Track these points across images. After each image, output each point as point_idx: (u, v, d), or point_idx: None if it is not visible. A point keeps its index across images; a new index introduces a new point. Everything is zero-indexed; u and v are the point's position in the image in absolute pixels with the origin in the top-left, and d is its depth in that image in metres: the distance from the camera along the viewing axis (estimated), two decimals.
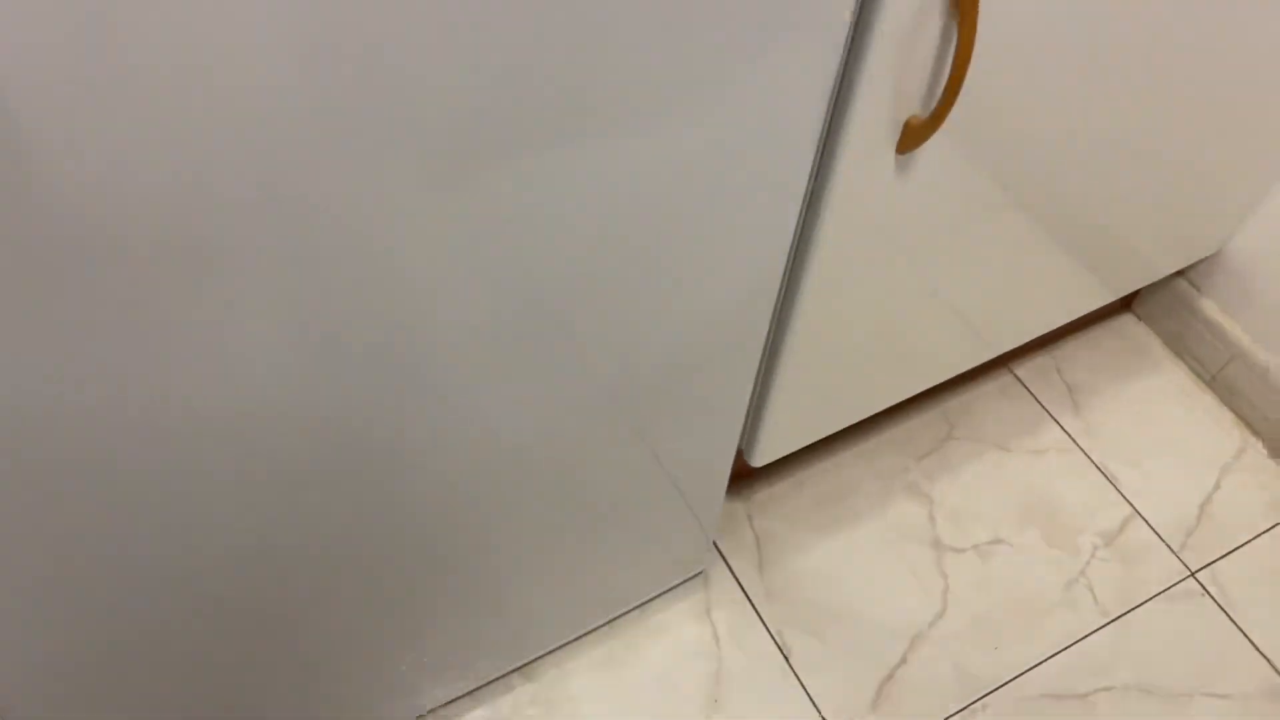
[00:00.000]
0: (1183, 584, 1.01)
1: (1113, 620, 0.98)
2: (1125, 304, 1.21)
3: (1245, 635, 0.98)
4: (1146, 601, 0.99)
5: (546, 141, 0.43)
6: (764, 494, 1.04)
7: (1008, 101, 0.65)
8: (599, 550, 0.81)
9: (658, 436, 0.71)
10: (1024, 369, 1.16)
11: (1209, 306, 1.12)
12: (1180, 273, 1.13)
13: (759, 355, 0.70)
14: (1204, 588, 1.00)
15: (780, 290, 0.68)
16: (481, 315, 0.50)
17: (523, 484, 0.66)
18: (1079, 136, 0.74)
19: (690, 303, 0.59)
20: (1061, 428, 1.11)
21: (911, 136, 0.60)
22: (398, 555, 0.64)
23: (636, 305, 0.57)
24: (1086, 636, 0.97)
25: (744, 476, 1.05)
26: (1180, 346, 1.16)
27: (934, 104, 0.58)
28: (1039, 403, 1.13)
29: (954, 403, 1.12)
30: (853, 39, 0.53)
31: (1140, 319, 1.20)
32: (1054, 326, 1.06)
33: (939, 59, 0.57)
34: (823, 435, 0.94)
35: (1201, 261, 1.10)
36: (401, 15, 0.35)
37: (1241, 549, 1.03)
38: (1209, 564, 1.02)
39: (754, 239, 0.58)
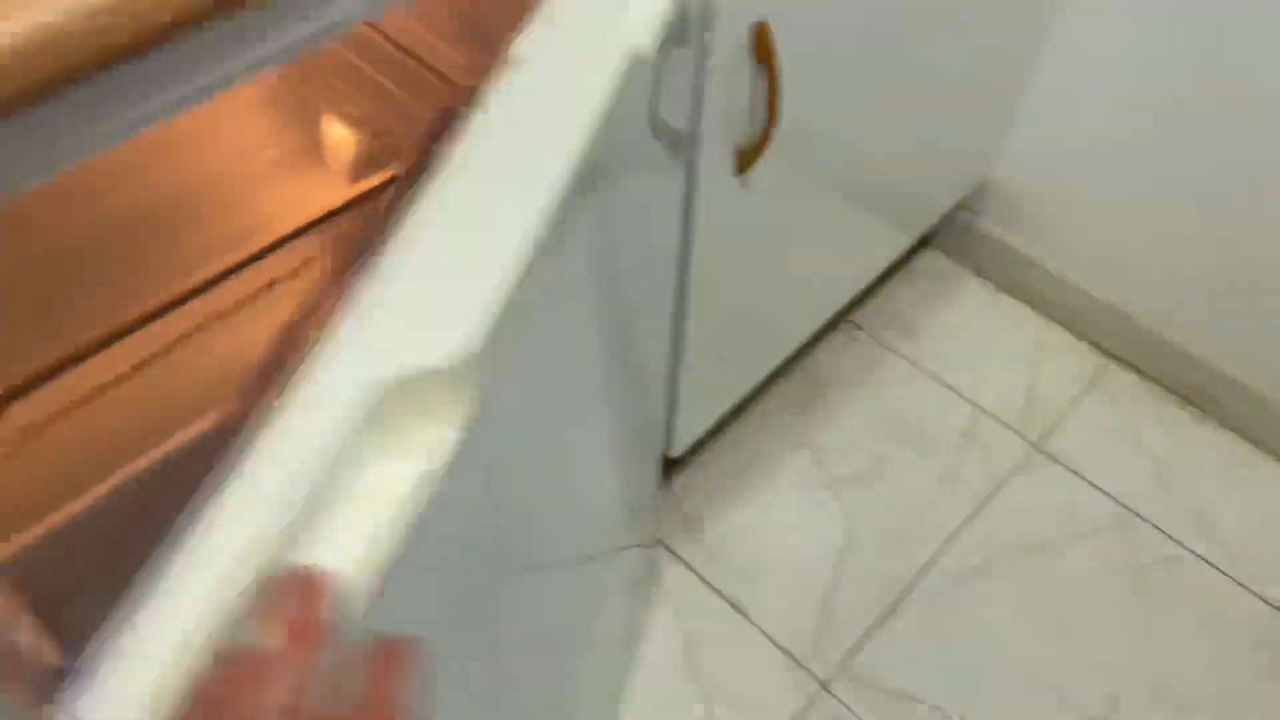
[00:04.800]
0: (1031, 457, 1.21)
1: (987, 501, 1.18)
2: (926, 242, 1.42)
3: (1089, 482, 1.19)
4: (1008, 478, 1.20)
5: None
6: (682, 482, 1.19)
7: (816, 116, 0.82)
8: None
9: (611, 479, 0.84)
10: (862, 318, 1.34)
11: (989, 226, 1.34)
12: (961, 205, 1.35)
13: (665, 365, 0.84)
14: (1047, 455, 1.22)
15: (676, 305, 0.82)
16: None
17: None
18: (866, 124, 0.92)
19: (618, 336, 0.73)
20: (902, 356, 1.30)
21: (747, 158, 0.76)
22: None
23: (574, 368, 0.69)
24: (969, 520, 1.16)
25: (663, 473, 1.19)
26: (977, 265, 1.38)
27: (758, 133, 0.74)
28: (878, 341, 1.32)
29: (815, 360, 1.30)
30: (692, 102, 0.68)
31: (941, 251, 1.41)
32: (876, 276, 1.26)
33: (754, 97, 0.72)
34: (721, 413, 1.09)
35: (974, 191, 1.32)
36: None
37: (1067, 415, 1.25)
38: (1046, 436, 1.23)
39: (649, 280, 0.72)
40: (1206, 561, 1.13)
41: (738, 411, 1.25)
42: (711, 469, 1.20)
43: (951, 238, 1.39)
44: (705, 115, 0.69)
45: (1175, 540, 1.15)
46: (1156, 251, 1.19)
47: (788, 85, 0.75)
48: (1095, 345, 1.31)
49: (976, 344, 1.32)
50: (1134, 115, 1.11)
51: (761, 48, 0.68)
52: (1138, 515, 1.17)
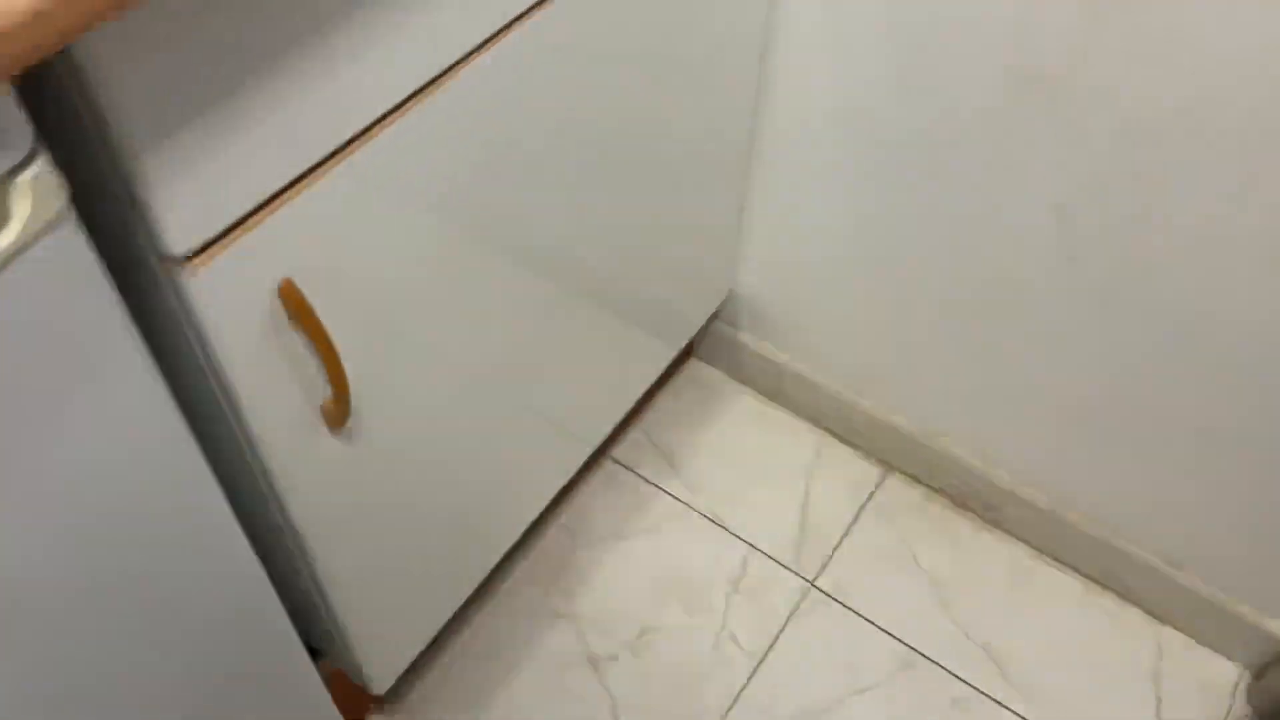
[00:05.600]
0: (807, 598, 1.11)
1: (761, 661, 1.06)
2: (688, 353, 1.31)
3: (869, 621, 1.09)
4: (783, 629, 1.08)
5: None
6: (416, 697, 1.03)
7: (412, 326, 0.68)
8: None
9: None
10: (621, 450, 1.22)
11: (745, 337, 1.23)
12: (715, 317, 1.24)
13: (289, 632, 0.69)
14: (824, 593, 1.11)
15: (301, 581, 0.67)
16: None
17: None
18: (547, 291, 0.79)
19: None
20: (668, 493, 1.18)
21: (335, 416, 0.62)
22: None
23: None
24: (745, 686, 1.04)
25: (382, 700, 1.03)
26: (740, 375, 1.28)
27: (333, 392, 0.60)
28: (641, 477, 1.20)
29: (568, 512, 1.16)
30: (219, 381, 0.54)
31: (706, 363, 1.30)
32: (632, 403, 1.13)
33: (315, 356, 0.58)
34: (439, 626, 0.94)
35: (724, 305, 1.21)
36: None
37: (843, 543, 1.15)
38: (823, 568, 1.13)
39: (216, 585, 0.57)
40: (995, 700, 1.05)
41: (483, 589, 1.10)
42: (453, 669, 1.05)
43: (713, 350, 1.28)
44: (245, 398, 0.55)
45: (962, 680, 1.06)
46: (906, 359, 1.10)
47: (347, 330, 0.61)
48: (868, 454, 1.22)
49: (747, 467, 1.21)
50: (850, 227, 1.02)
51: (294, 308, 0.54)
52: (921, 654, 1.07)
